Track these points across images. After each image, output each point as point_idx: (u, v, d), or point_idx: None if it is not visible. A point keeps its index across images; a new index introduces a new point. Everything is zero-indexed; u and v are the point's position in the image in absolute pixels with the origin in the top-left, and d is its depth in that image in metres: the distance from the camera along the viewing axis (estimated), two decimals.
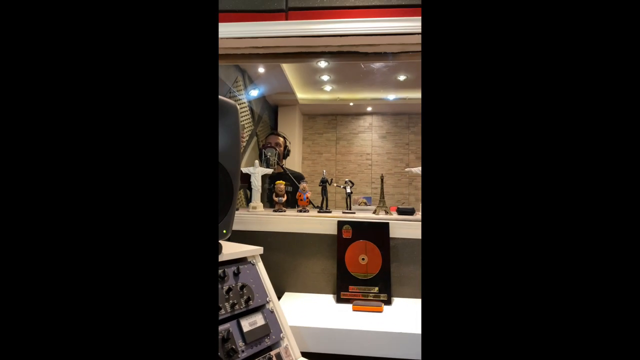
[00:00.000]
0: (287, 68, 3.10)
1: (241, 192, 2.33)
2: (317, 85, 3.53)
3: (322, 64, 2.81)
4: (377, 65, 2.72)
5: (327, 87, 3.56)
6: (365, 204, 2.19)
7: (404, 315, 0.90)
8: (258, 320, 0.68)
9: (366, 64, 2.67)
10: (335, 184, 1.31)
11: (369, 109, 4.30)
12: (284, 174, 1.66)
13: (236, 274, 0.70)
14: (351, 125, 4.52)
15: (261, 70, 2.94)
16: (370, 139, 4.49)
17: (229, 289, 0.67)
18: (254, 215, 1.14)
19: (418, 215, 1.15)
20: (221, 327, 0.61)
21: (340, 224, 1.07)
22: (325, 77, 3.28)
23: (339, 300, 1.01)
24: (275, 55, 1.38)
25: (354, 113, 4.46)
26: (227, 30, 1.21)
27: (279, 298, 1.02)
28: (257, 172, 1.19)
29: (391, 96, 3.78)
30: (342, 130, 4.53)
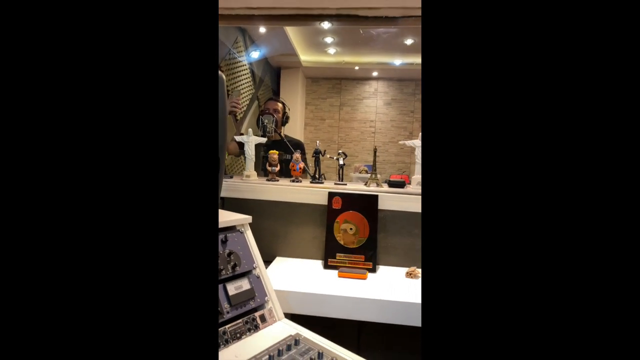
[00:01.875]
0: (290, 28, 2.96)
1: (241, 159, 2.34)
2: (321, 47, 3.39)
3: (326, 25, 2.67)
4: (378, 30, 2.58)
5: (332, 50, 3.42)
6: (366, 171, 2.19)
7: (387, 283, 0.95)
8: (244, 284, 0.72)
9: (365, 30, 2.53)
10: (328, 156, 1.31)
11: (375, 73, 4.16)
12: (281, 142, 1.65)
13: (224, 242, 0.74)
14: (356, 90, 4.40)
15: (262, 30, 2.81)
16: (374, 105, 4.39)
17: None
18: (247, 184, 1.17)
19: (409, 188, 1.16)
20: None
21: (331, 195, 1.10)
22: (329, 39, 3.13)
23: (326, 266, 1.06)
24: (272, 17, 1.32)
25: (359, 78, 4.32)
26: None
27: (271, 262, 1.08)
28: (250, 141, 1.20)
29: (397, 61, 3.63)
30: (347, 96, 4.42)
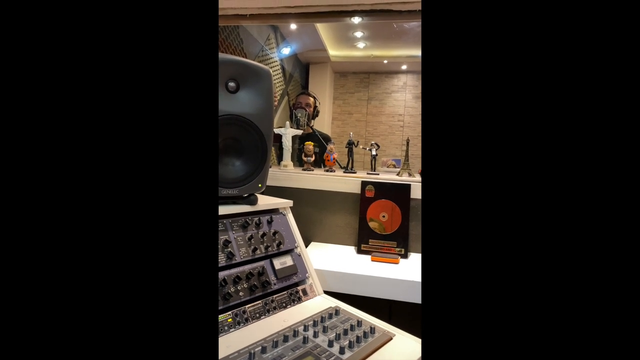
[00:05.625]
0: (320, 24, 3.01)
1: (273, 150, 2.44)
2: (350, 41, 3.41)
3: (356, 19, 2.70)
4: (411, 24, 2.56)
5: (361, 44, 3.43)
6: (394, 166, 2.21)
7: (418, 267, 0.99)
8: (287, 261, 0.80)
9: (399, 24, 2.52)
10: (361, 147, 1.36)
11: (404, 67, 4.11)
12: (312, 135, 1.72)
13: (269, 222, 0.82)
14: (384, 84, 4.38)
15: (293, 27, 2.89)
16: (403, 99, 4.34)
17: (264, 234, 0.79)
18: (285, 173, 1.24)
19: None
20: (257, 264, 0.74)
21: (364, 184, 1.15)
22: (358, 34, 3.15)
23: (360, 251, 1.12)
24: (308, 14, 1.38)
25: (388, 71, 4.29)
26: None
27: (306, 246, 1.15)
28: (288, 133, 1.27)
29: None
30: (375, 90, 4.41)
